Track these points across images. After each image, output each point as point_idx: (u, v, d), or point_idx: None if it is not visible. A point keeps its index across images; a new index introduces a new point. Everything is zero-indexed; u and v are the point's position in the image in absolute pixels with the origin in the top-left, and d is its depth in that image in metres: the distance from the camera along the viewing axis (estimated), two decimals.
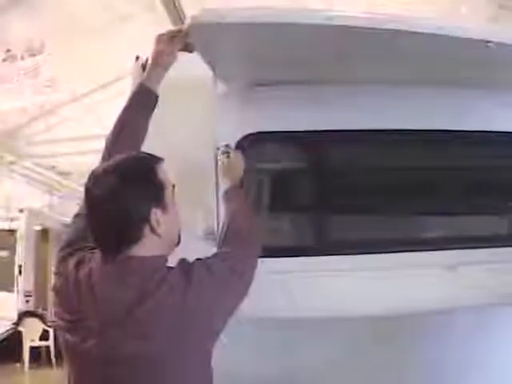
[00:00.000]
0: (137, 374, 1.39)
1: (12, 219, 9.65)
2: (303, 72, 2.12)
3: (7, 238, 9.52)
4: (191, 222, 1.99)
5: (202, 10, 1.70)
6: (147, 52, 1.92)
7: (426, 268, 2.21)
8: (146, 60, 2.04)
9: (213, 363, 1.49)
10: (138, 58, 2.22)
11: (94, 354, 1.38)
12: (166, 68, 1.84)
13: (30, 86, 7.80)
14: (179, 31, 1.82)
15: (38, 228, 10.15)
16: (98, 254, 1.45)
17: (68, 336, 1.43)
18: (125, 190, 1.40)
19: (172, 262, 1.48)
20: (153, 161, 1.49)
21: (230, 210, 1.88)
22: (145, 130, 1.79)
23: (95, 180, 1.43)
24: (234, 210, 1.87)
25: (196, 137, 2.16)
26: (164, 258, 1.47)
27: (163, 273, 1.42)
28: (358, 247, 2.31)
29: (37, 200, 11.73)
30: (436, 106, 2.31)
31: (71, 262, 1.48)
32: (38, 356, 9.06)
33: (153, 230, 1.41)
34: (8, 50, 7.47)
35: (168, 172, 1.50)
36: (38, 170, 11.22)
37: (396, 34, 1.72)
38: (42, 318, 9.16)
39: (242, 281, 1.57)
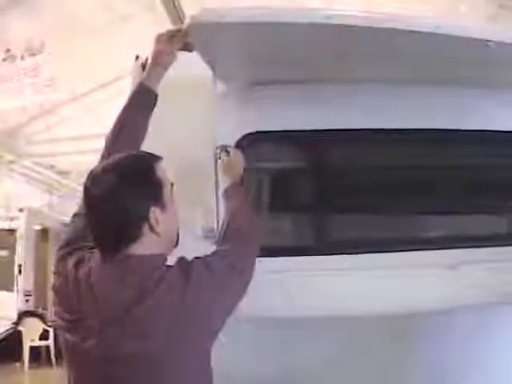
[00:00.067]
0: (136, 373, 1.39)
1: (12, 219, 9.64)
2: (302, 71, 2.12)
3: (7, 238, 9.51)
4: (191, 220, 1.99)
5: (201, 9, 1.70)
6: (147, 52, 1.92)
7: (426, 267, 2.21)
8: (146, 59, 2.04)
9: (212, 363, 1.49)
10: (137, 57, 2.22)
11: (94, 353, 1.38)
12: (165, 67, 1.84)
13: (29, 86, 7.79)
14: (179, 31, 1.82)
15: (38, 227, 10.14)
16: (97, 253, 1.45)
17: (68, 335, 1.43)
18: (123, 188, 1.40)
19: (171, 260, 1.48)
20: (151, 159, 1.49)
21: (230, 208, 1.88)
22: (144, 129, 1.80)
23: (94, 179, 1.43)
24: (233, 207, 1.87)
25: (195, 136, 2.16)
26: (163, 257, 1.47)
27: (162, 271, 1.42)
28: (357, 246, 2.31)
29: (36, 199, 11.73)
30: (436, 106, 2.31)
31: (70, 262, 1.48)
32: (38, 356, 9.06)
33: (152, 229, 1.42)
34: (8, 50, 7.47)
35: (167, 170, 1.50)
36: (38, 169, 11.23)
37: (394, 32, 1.72)
38: (41, 317, 9.16)
39: (241, 278, 1.57)
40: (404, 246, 2.30)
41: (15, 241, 9.38)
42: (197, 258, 1.50)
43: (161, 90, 1.83)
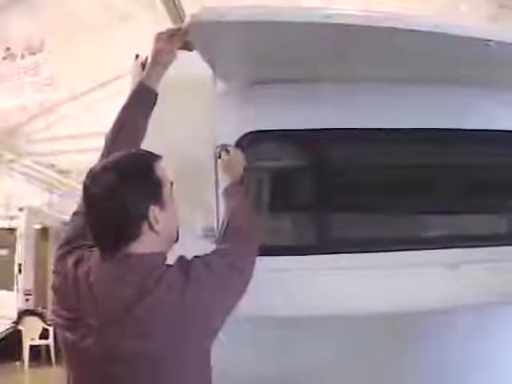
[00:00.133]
0: (136, 372, 1.39)
1: (12, 218, 9.65)
2: (302, 70, 2.12)
3: (7, 237, 9.52)
4: (190, 219, 1.99)
5: (201, 8, 1.70)
6: (147, 50, 1.92)
7: (427, 267, 2.21)
8: (146, 58, 2.04)
9: (211, 362, 1.49)
10: (137, 56, 2.22)
11: (93, 351, 1.38)
12: (165, 66, 1.84)
13: (29, 85, 7.79)
14: (179, 30, 1.82)
15: (38, 226, 10.14)
16: (96, 251, 1.45)
17: (67, 334, 1.43)
18: (123, 187, 1.40)
19: (171, 259, 1.48)
20: (151, 158, 1.49)
21: (230, 207, 1.88)
22: (144, 128, 1.80)
23: (93, 177, 1.43)
24: (233, 206, 1.87)
25: (195, 135, 2.16)
26: (163, 256, 1.47)
27: (162, 270, 1.42)
28: (358, 246, 2.31)
29: (36, 198, 11.73)
30: (436, 105, 2.31)
31: (70, 260, 1.48)
32: (38, 355, 9.06)
33: (151, 228, 1.42)
34: (8, 49, 7.47)
35: (166, 169, 1.50)
36: (38, 168, 11.23)
37: (394, 32, 1.72)
38: (41, 316, 9.15)
39: (241, 277, 1.57)
40: (404, 246, 2.30)
41: (15, 240, 9.38)
42: (196, 257, 1.50)
43: (161, 89, 1.83)
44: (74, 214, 1.63)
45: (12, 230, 9.51)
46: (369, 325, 2.15)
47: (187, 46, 1.86)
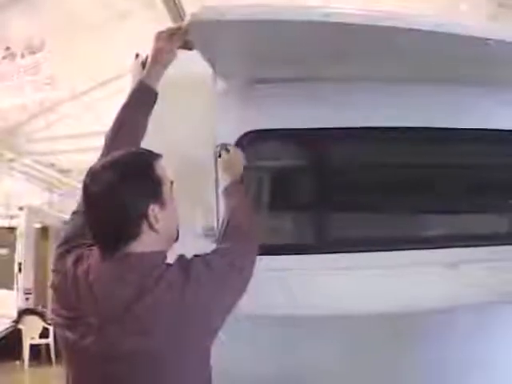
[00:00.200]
0: (136, 371, 1.39)
1: (12, 217, 9.65)
2: (302, 69, 2.12)
3: (7, 236, 9.52)
4: (191, 219, 1.99)
5: (201, 7, 1.70)
6: (147, 49, 1.91)
7: (427, 266, 2.21)
8: (146, 57, 2.04)
9: (211, 361, 1.49)
10: (137, 55, 2.22)
11: (93, 350, 1.38)
12: (165, 66, 1.84)
13: (29, 84, 7.80)
14: (178, 29, 1.82)
15: (38, 226, 10.15)
16: (96, 250, 1.45)
17: (67, 333, 1.43)
18: (123, 186, 1.40)
19: (171, 258, 1.48)
20: (151, 157, 1.49)
21: (230, 206, 1.88)
22: (144, 127, 1.80)
23: (93, 176, 1.43)
24: (233, 205, 1.87)
25: (195, 134, 2.16)
26: (163, 255, 1.47)
27: (162, 269, 1.42)
28: (358, 245, 2.31)
29: (37, 197, 11.74)
30: (437, 104, 2.30)
31: (69, 259, 1.48)
32: (38, 354, 9.07)
33: (151, 227, 1.42)
34: (8, 48, 7.47)
35: (166, 168, 1.50)
36: (38, 167, 11.23)
37: (394, 31, 1.72)
38: (41, 315, 9.16)
39: (241, 276, 1.57)
40: (404, 245, 2.30)
41: (15, 239, 9.39)
42: (196, 256, 1.50)
43: (161, 88, 1.83)
44: (74, 212, 1.63)
45: (12, 229, 9.51)
46: (369, 324, 2.15)
47: (187, 45, 1.85)
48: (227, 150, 2.07)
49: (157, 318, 1.38)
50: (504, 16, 5.99)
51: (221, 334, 1.48)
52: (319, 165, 2.38)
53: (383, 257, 2.24)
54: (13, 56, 7.51)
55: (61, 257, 1.51)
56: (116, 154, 1.48)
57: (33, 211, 9.88)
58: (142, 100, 1.80)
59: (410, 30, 1.72)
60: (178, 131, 2.16)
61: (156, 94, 1.82)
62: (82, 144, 9.27)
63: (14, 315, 9.06)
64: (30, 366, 8.74)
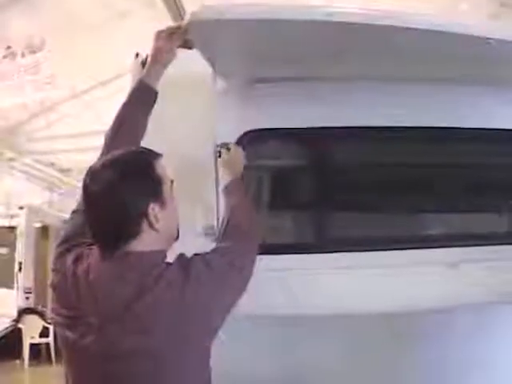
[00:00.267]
0: (136, 370, 1.39)
1: (12, 216, 9.64)
2: (303, 69, 2.11)
3: (7, 235, 9.52)
4: (191, 217, 1.99)
5: (201, 6, 1.69)
6: (147, 49, 1.91)
7: (427, 266, 2.21)
8: (146, 57, 2.04)
9: (211, 361, 1.49)
10: (137, 54, 2.21)
11: (93, 349, 1.38)
12: (165, 65, 1.84)
13: (30, 83, 7.80)
14: (178, 28, 1.81)
15: (38, 225, 10.15)
16: (96, 249, 1.45)
17: (67, 332, 1.43)
18: (123, 184, 1.39)
19: (171, 257, 1.48)
20: (151, 156, 1.49)
21: (230, 204, 1.88)
22: (144, 126, 1.79)
23: (93, 175, 1.42)
24: (234, 204, 1.87)
25: (195, 133, 2.16)
26: (163, 254, 1.47)
27: (161, 268, 1.42)
28: (358, 244, 2.30)
29: (37, 197, 11.74)
30: (437, 103, 2.30)
31: (69, 258, 1.48)
32: (38, 353, 9.07)
33: (151, 226, 1.41)
34: (8, 47, 7.47)
35: (166, 167, 1.49)
36: (38, 166, 11.24)
37: (395, 30, 1.71)
38: (41, 314, 9.15)
39: (241, 276, 1.57)
40: (405, 244, 2.30)
41: (15, 238, 9.38)
42: (196, 255, 1.50)
43: (161, 87, 1.83)
44: (74, 212, 1.63)
45: (12, 229, 9.51)
46: (369, 324, 2.15)
47: (187, 45, 1.85)
48: (228, 149, 2.06)
49: (157, 316, 1.38)
50: (505, 15, 5.99)
51: (221, 334, 1.48)
52: (319, 164, 2.38)
53: (383, 256, 2.24)
54: (13, 55, 7.51)
55: (60, 256, 1.51)
56: (116, 153, 1.48)
57: (33, 210, 9.88)
58: (141, 99, 1.80)
59: (411, 29, 1.71)
60: (178, 130, 2.16)
61: (156, 94, 1.82)
62: (82, 143, 9.28)
63: (14, 314, 9.06)
64: (30, 365, 8.73)
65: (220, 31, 1.76)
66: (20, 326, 9.01)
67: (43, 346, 9.08)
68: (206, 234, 2.04)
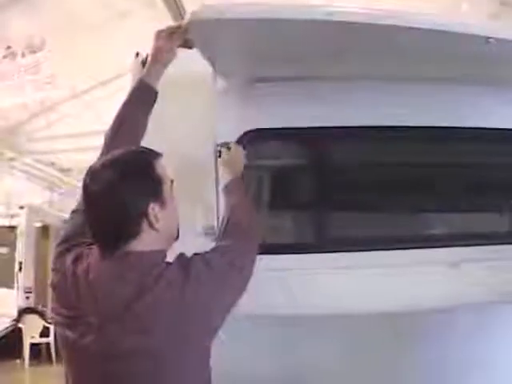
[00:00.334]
0: (136, 369, 1.38)
1: (12, 216, 9.64)
2: (303, 68, 2.11)
3: (7, 235, 9.52)
4: (191, 217, 1.99)
5: (201, 5, 1.69)
6: (147, 48, 1.91)
7: (428, 265, 2.21)
8: (146, 56, 2.03)
9: (211, 361, 1.49)
10: (137, 54, 2.21)
11: (93, 349, 1.38)
12: (165, 65, 1.84)
13: (30, 83, 7.80)
14: (178, 27, 1.81)
15: (39, 225, 10.15)
16: (95, 249, 1.44)
17: (66, 332, 1.42)
18: (123, 184, 1.39)
19: (171, 257, 1.48)
20: (151, 155, 1.48)
21: (230, 203, 1.87)
22: (144, 125, 1.79)
23: (93, 175, 1.42)
24: (234, 203, 1.87)
25: (196, 133, 2.15)
26: (163, 253, 1.47)
27: (161, 268, 1.42)
28: (358, 244, 2.30)
29: (37, 196, 11.74)
30: (437, 103, 2.30)
31: (69, 258, 1.48)
32: (39, 353, 9.06)
33: (151, 225, 1.41)
34: (8, 47, 7.47)
35: (167, 167, 1.49)
36: (39, 166, 11.24)
37: (396, 29, 1.71)
38: (42, 314, 9.15)
39: (241, 275, 1.56)
40: (405, 244, 2.30)
41: (16, 238, 9.39)
42: (196, 254, 1.50)
43: (161, 86, 1.83)
44: (74, 211, 1.63)
45: (12, 228, 9.51)
46: (369, 324, 2.15)
47: (187, 44, 1.85)
48: (228, 148, 2.06)
49: (157, 316, 1.37)
50: (506, 15, 5.98)
51: (221, 334, 1.48)
52: (319, 164, 2.38)
53: (384, 256, 2.24)
54: (13, 55, 7.51)
55: (60, 255, 1.51)
56: (116, 152, 1.48)
57: (33, 210, 9.88)
58: (142, 99, 1.80)
59: (411, 28, 1.71)
60: (179, 130, 2.15)
61: (156, 93, 1.81)
62: (82, 143, 9.28)
63: (15, 314, 9.06)
64: (31, 364, 8.73)
65: (220, 31, 1.76)
66: (20, 325, 9.01)
67: (43, 346, 9.07)
68: (206, 234, 2.04)
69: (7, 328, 8.91)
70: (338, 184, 2.40)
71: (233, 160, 2.04)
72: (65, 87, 7.92)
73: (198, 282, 1.42)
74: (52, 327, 8.58)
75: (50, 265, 1.56)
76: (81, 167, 9.43)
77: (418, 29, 1.72)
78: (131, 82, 2.06)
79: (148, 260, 1.41)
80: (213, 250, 1.58)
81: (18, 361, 8.78)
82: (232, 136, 2.15)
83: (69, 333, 1.42)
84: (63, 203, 11.55)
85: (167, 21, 5.55)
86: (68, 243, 1.53)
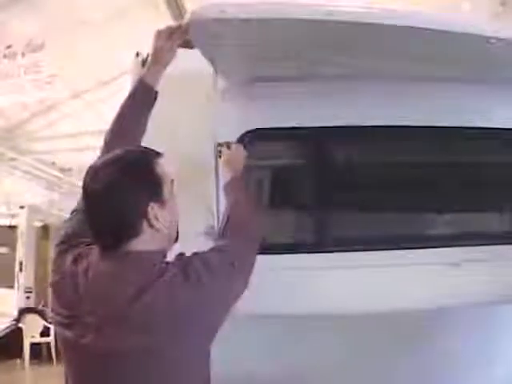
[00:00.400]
0: (135, 370, 1.38)
1: (13, 216, 9.66)
2: (303, 68, 2.11)
3: (8, 235, 9.53)
4: (191, 217, 1.99)
5: (201, 5, 1.69)
6: (147, 48, 1.91)
7: (428, 265, 2.21)
8: (146, 56, 2.03)
9: (211, 361, 1.49)
10: (138, 54, 2.21)
11: (93, 349, 1.38)
12: (165, 64, 1.83)
13: (30, 83, 7.79)
14: (178, 27, 1.81)
15: (39, 224, 10.15)
16: (95, 249, 1.44)
17: (66, 332, 1.42)
18: (123, 184, 1.39)
19: (171, 257, 1.48)
20: (151, 155, 1.48)
21: (231, 203, 1.87)
22: (144, 125, 1.79)
23: (93, 174, 1.42)
24: (234, 202, 1.86)
25: (196, 133, 2.15)
26: (162, 253, 1.47)
27: (161, 268, 1.41)
28: (359, 244, 2.30)
29: (37, 196, 11.74)
30: (439, 103, 2.30)
31: (69, 258, 1.48)
32: (39, 352, 9.06)
33: (151, 225, 1.41)
34: (9, 47, 7.47)
35: (167, 166, 1.49)
36: (39, 166, 11.23)
37: (397, 29, 1.71)
38: (42, 314, 9.15)
39: (240, 275, 1.56)
40: (405, 244, 2.30)
41: (16, 238, 9.39)
42: (196, 254, 1.50)
43: (161, 86, 1.82)
44: (74, 211, 1.63)
45: (13, 228, 9.53)
46: (369, 323, 2.15)
47: (187, 44, 1.85)
48: (228, 147, 2.06)
49: (156, 316, 1.37)
50: (506, 15, 5.98)
51: (221, 334, 1.48)
52: (320, 164, 2.38)
53: (384, 256, 2.24)
54: (14, 55, 7.50)
55: (60, 255, 1.51)
56: (116, 152, 1.47)
57: (34, 210, 9.89)
58: (142, 99, 1.80)
59: (412, 28, 1.71)
60: (178, 130, 2.15)
61: (156, 93, 1.81)
62: (82, 143, 9.28)
63: (15, 314, 9.06)
64: (31, 364, 8.73)
65: (220, 30, 1.76)
66: (21, 325, 9.01)
67: (44, 346, 9.07)
68: (206, 234, 2.04)
69: (7, 328, 8.91)
70: (338, 184, 2.40)
71: (233, 158, 2.04)
72: (65, 87, 7.92)
73: (198, 282, 1.42)
74: (52, 327, 8.60)
75: (51, 264, 1.56)
76: (81, 167, 9.42)
77: (418, 28, 1.71)
78: (131, 81, 2.06)
79: (148, 260, 1.41)
80: (213, 249, 1.58)
81: (18, 360, 8.78)
82: (232, 136, 2.15)
83: (68, 333, 1.42)
84: (63, 203, 11.54)
85: (167, 20, 5.55)
86: (68, 243, 1.53)
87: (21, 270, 9.21)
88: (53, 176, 11.99)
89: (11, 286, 9.20)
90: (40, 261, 9.62)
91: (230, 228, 1.74)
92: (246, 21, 1.70)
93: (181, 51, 1.85)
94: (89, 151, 7.91)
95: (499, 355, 2.33)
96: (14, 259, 9.28)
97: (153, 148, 1.52)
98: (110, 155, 1.47)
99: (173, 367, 1.40)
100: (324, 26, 1.71)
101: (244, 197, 1.92)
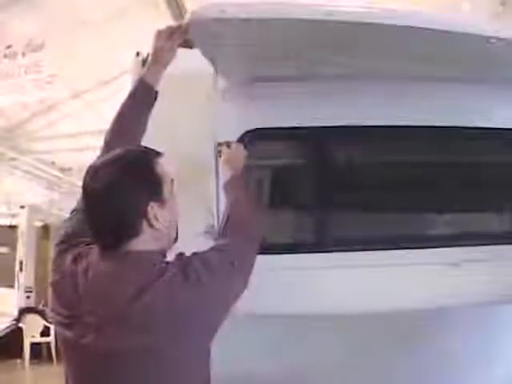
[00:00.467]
0: (135, 370, 1.38)
1: (13, 215, 9.66)
2: (304, 68, 2.11)
3: (8, 234, 9.53)
4: (191, 217, 1.99)
5: (201, 5, 1.69)
6: (148, 48, 1.91)
7: (428, 265, 2.21)
8: (147, 56, 2.04)
9: (211, 361, 1.49)
10: (138, 54, 2.21)
11: (93, 349, 1.38)
12: (165, 64, 1.83)
13: (31, 83, 7.79)
14: (179, 27, 1.81)
15: (39, 224, 10.15)
16: (95, 249, 1.44)
17: (66, 332, 1.42)
18: (123, 183, 1.39)
19: (171, 256, 1.48)
20: (151, 155, 1.48)
21: (231, 201, 1.87)
22: (144, 125, 1.79)
23: (93, 174, 1.42)
24: (234, 201, 1.86)
25: (196, 132, 2.16)
26: (162, 253, 1.47)
27: (161, 268, 1.41)
28: (358, 244, 2.30)
29: (38, 196, 11.74)
30: (439, 103, 2.30)
31: (68, 258, 1.48)
32: (39, 352, 9.06)
33: (151, 225, 1.41)
34: (9, 47, 7.47)
35: (167, 166, 1.49)
36: (39, 166, 11.23)
37: (397, 29, 1.71)
38: (42, 314, 9.15)
39: (240, 275, 1.56)
40: (405, 244, 2.30)
41: (16, 237, 9.39)
42: (195, 253, 1.50)
43: (161, 86, 1.83)
44: (73, 211, 1.63)
45: (13, 228, 9.53)
46: (369, 323, 2.15)
47: (188, 43, 1.85)
48: (228, 146, 2.06)
49: (156, 316, 1.37)
50: (506, 14, 5.98)
51: (221, 334, 1.48)
52: (320, 163, 2.38)
53: (384, 256, 2.24)
54: (14, 55, 7.50)
55: (60, 255, 1.51)
56: (116, 151, 1.47)
57: (34, 210, 9.89)
58: (142, 98, 1.80)
59: (412, 28, 1.71)
60: (179, 129, 2.15)
61: (156, 93, 1.81)
62: (83, 142, 9.28)
63: (15, 314, 9.06)
64: (31, 364, 8.73)
65: (220, 30, 1.76)
66: (21, 325, 9.01)
67: (44, 346, 9.07)
68: (206, 234, 2.04)
69: (8, 327, 8.91)
70: (338, 184, 2.40)
71: (233, 158, 2.04)
72: (65, 87, 7.92)
73: (198, 282, 1.42)
74: (52, 327, 8.59)
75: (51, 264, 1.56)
76: (81, 167, 9.42)
77: (419, 28, 1.71)
78: (131, 81, 2.06)
79: (147, 260, 1.41)
80: (212, 248, 1.58)
81: (18, 360, 8.78)
82: (232, 136, 2.15)
83: (68, 332, 1.42)
84: (64, 203, 11.54)
85: (167, 20, 5.55)
86: (68, 243, 1.53)
87: (21, 269, 9.21)
88: (53, 176, 11.99)
89: (11, 286, 9.20)
90: (40, 260, 9.62)
91: (229, 227, 1.74)
92: (246, 21, 1.70)
93: (181, 51, 1.85)
94: (89, 151, 7.90)
95: (499, 355, 2.33)
96: (15, 259, 9.28)
97: (153, 148, 1.52)
98: (110, 155, 1.47)
99: (173, 367, 1.40)
100: (324, 26, 1.71)
101: (244, 196, 1.92)
